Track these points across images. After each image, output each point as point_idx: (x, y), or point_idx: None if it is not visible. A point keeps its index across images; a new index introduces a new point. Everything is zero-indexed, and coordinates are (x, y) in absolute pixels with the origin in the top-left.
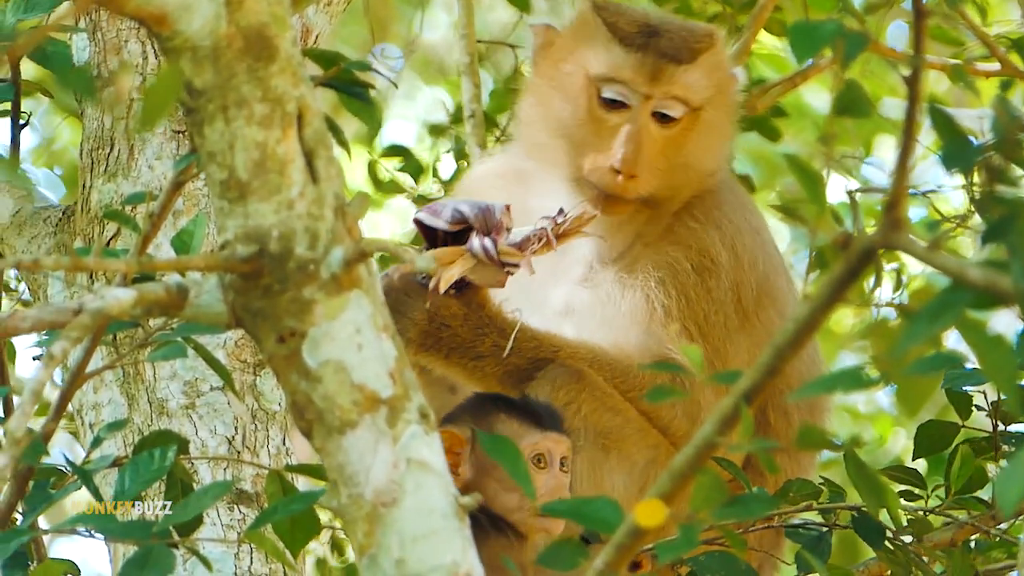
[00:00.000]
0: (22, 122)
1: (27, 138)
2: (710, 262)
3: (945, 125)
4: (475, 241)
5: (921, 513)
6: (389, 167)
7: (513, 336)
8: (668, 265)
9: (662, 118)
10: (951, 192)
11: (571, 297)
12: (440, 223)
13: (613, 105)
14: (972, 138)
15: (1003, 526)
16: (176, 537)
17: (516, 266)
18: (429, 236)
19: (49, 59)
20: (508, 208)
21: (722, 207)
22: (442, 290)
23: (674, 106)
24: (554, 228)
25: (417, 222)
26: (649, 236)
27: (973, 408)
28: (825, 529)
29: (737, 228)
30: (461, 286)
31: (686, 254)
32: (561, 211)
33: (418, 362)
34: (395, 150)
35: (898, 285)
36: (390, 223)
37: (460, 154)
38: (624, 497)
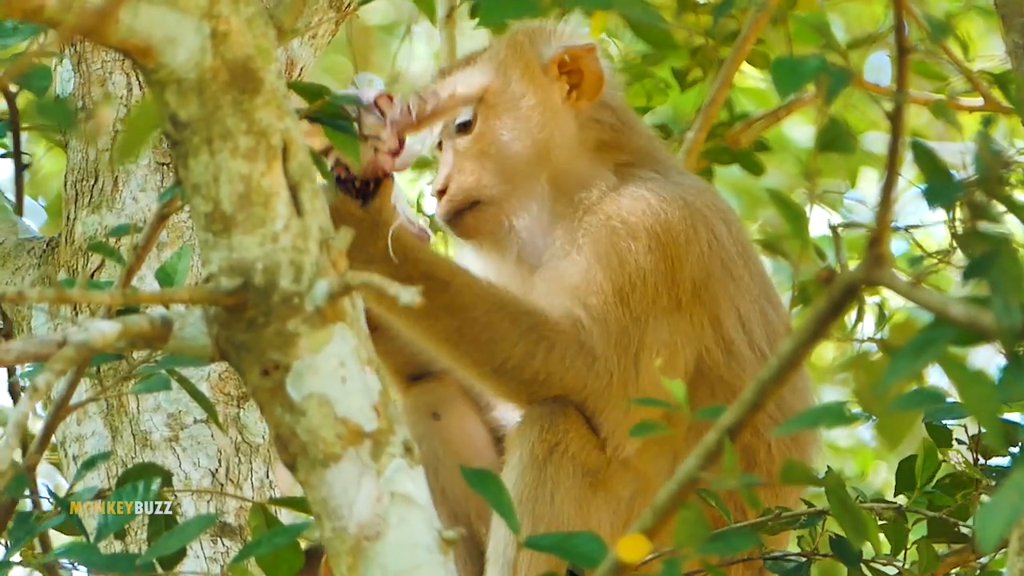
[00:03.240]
0: (24, 163)
1: (5, 167)
2: (628, 228)
3: (928, 161)
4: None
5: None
6: None
7: (390, 234)
8: (586, 234)
9: (462, 129)
10: (933, 227)
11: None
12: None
13: (439, 150)
14: (954, 173)
15: (983, 560)
16: (159, 570)
17: (378, 139)
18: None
19: (31, 85)
20: (390, 97)
21: (649, 184)
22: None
23: (456, 106)
24: (420, 105)
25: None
26: (567, 227)
27: (953, 442)
28: (804, 559)
29: (665, 201)
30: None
31: (605, 222)
32: (435, 93)
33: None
34: None
35: (881, 320)
36: None
37: None
38: (611, 533)
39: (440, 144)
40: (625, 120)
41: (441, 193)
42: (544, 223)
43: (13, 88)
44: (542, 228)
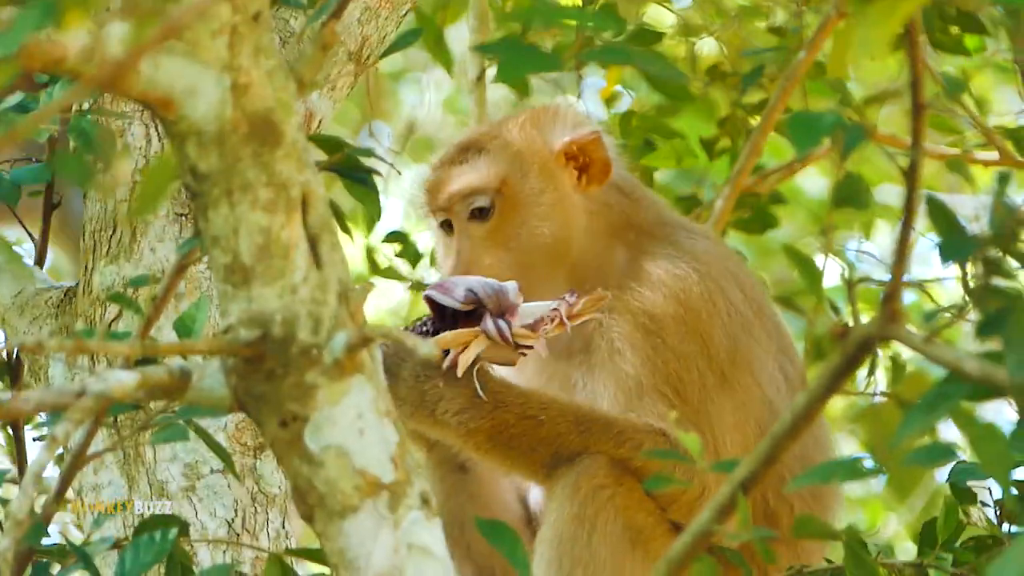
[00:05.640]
0: (54, 202)
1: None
2: (655, 322)
3: (942, 216)
4: (489, 323)
5: None
6: (388, 252)
7: (476, 381)
8: (621, 337)
9: (477, 215)
10: (945, 279)
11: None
12: (452, 302)
13: (443, 227)
14: (968, 228)
15: None
16: None
17: (530, 347)
18: (439, 313)
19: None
20: (520, 288)
21: (661, 263)
22: (460, 373)
23: (475, 200)
24: (567, 309)
25: (428, 299)
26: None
27: (978, 504)
28: None
29: (680, 279)
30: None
31: (632, 319)
32: (573, 291)
33: (411, 426)
34: (394, 236)
35: (896, 375)
36: (378, 301)
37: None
38: None
39: (444, 222)
40: (632, 195)
41: None
42: None
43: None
44: None
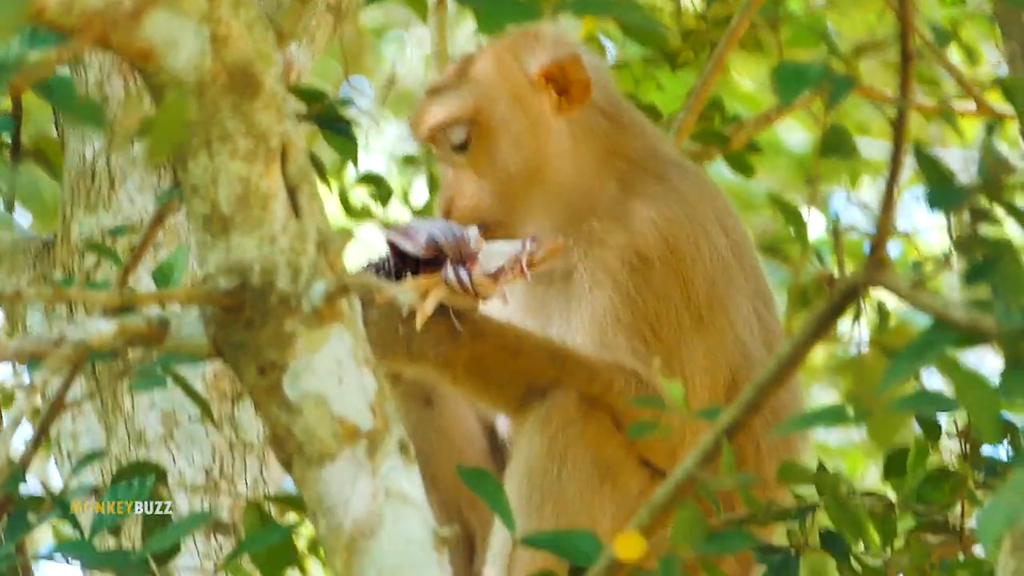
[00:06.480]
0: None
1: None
2: (642, 260)
3: (930, 166)
4: (450, 271)
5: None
6: (362, 194)
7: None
8: (604, 270)
9: (457, 146)
10: (928, 229)
11: (521, 324)
12: (414, 249)
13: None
14: (956, 178)
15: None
16: (154, 566)
17: (489, 296)
18: (400, 257)
19: (53, 91)
20: (480, 234)
21: (651, 200)
22: (419, 325)
23: (452, 132)
24: (527, 258)
25: (390, 244)
26: (575, 247)
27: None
28: (793, 552)
29: (669, 221)
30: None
31: (618, 255)
32: (534, 238)
33: (385, 364)
34: (368, 178)
35: (883, 323)
36: (357, 249)
37: (432, 183)
38: (613, 527)
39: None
40: (620, 121)
41: (446, 214)
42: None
43: None
44: None
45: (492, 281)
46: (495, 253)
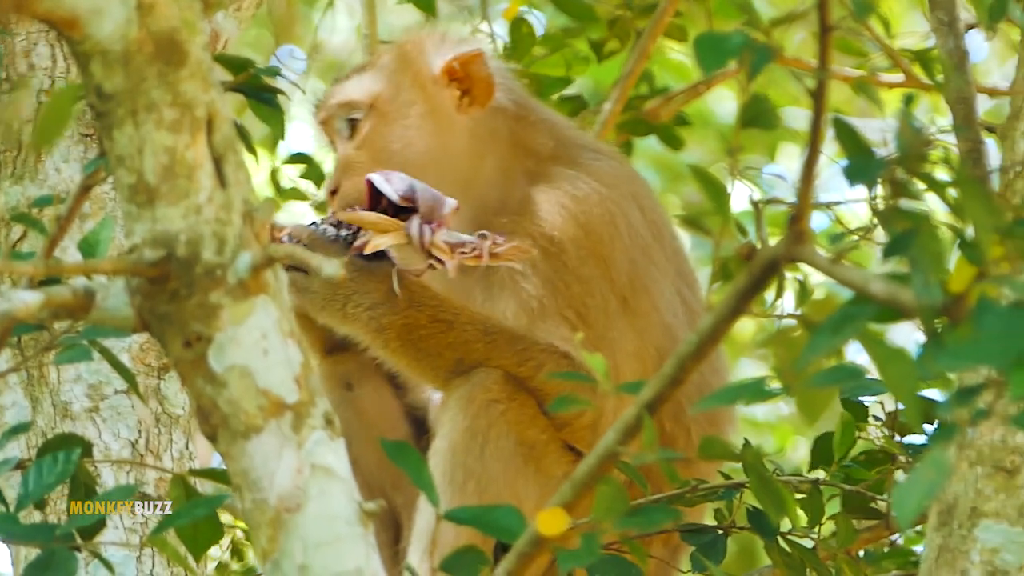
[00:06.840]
0: None
1: None
2: (555, 245)
3: (850, 138)
4: (415, 223)
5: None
6: (291, 174)
7: (395, 278)
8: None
9: (350, 129)
10: (854, 203)
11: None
12: (391, 192)
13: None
14: (876, 150)
15: (896, 537)
16: (79, 540)
17: (441, 263)
18: (374, 199)
19: None
20: (456, 209)
21: (561, 185)
22: (367, 251)
23: (349, 115)
24: (491, 246)
25: (368, 182)
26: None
27: (870, 418)
28: (720, 532)
29: (579, 202)
30: (375, 256)
31: (532, 243)
32: (502, 234)
33: (321, 321)
34: (298, 158)
35: (803, 296)
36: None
37: None
38: (536, 509)
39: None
40: (526, 119)
41: (333, 193)
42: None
43: None
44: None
45: (449, 250)
46: (462, 240)
